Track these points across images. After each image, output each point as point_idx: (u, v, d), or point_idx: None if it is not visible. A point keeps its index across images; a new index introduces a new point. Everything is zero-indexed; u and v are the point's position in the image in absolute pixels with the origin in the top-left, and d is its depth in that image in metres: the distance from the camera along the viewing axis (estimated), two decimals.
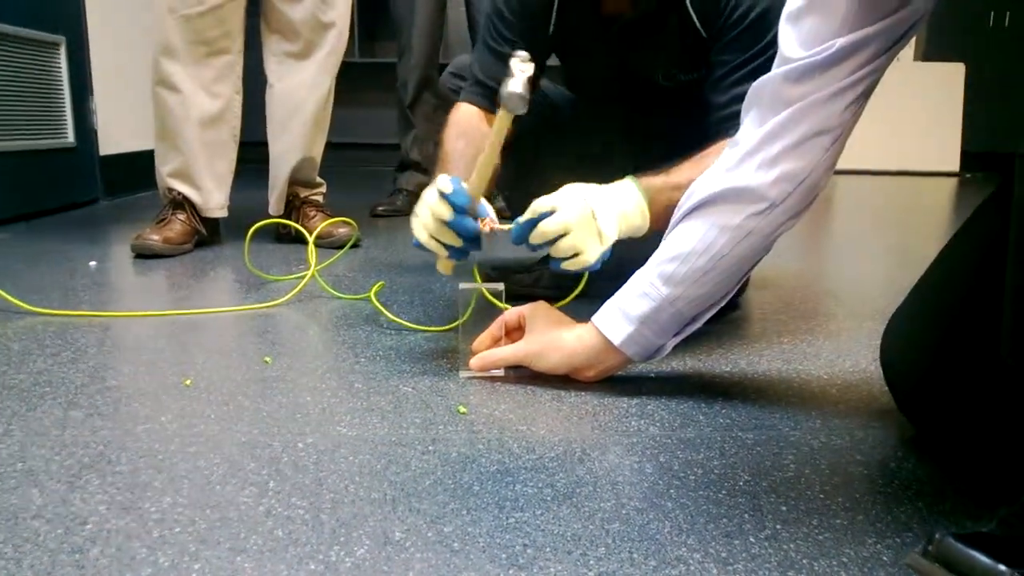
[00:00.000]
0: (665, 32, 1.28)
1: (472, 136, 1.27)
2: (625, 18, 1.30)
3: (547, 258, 1.11)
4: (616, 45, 1.35)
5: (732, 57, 1.20)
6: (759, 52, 1.17)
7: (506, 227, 1.05)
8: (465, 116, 1.32)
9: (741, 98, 1.16)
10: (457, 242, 1.06)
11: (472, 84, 1.36)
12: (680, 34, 1.26)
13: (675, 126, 1.29)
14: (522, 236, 1.03)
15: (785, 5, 0.88)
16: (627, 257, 1.09)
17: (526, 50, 1.08)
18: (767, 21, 1.16)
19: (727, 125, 1.18)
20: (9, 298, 1.35)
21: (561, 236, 1.01)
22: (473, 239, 1.06)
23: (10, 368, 1.05)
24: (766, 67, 0.91)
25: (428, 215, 1.06)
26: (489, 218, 1.06)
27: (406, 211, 2.75)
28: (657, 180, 1.09)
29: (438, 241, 1.06)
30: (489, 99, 1.30)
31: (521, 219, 1.03)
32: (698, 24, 1.23)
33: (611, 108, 1.52)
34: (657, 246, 0.98)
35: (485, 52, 1.34)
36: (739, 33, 1.19)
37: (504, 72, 1.05)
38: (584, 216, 1.01)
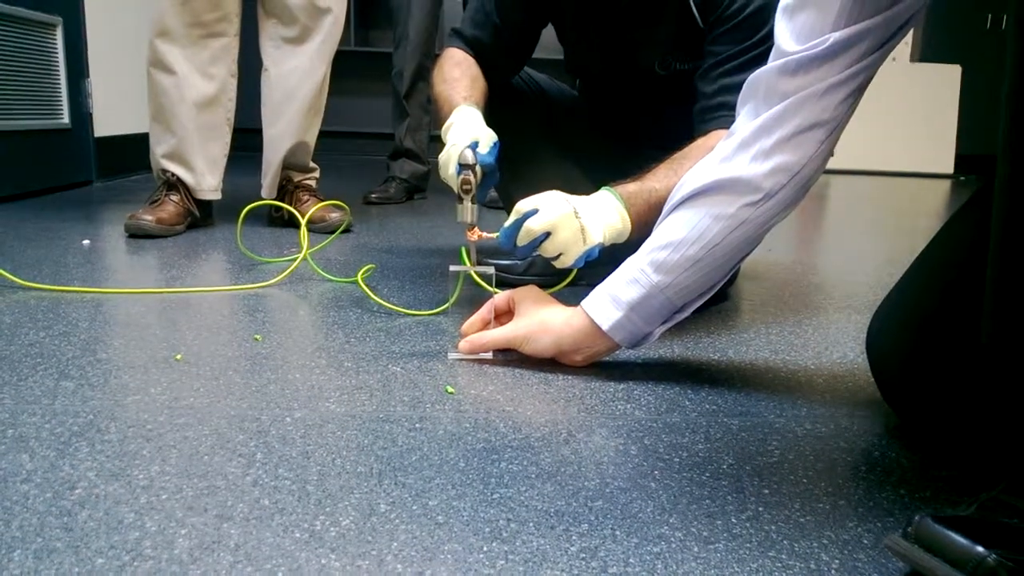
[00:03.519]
0: (664, 18, 1.29)
1: (464, 66, 1.34)
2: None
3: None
4: (616, 27, 1.36)
5: (724, 49, 1.21)
6: (751, 47, 1.19)
7: (493, 235, 1.06)
8: (456, 52, 1.38)
9: (728, 89, 1.18)
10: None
11: (454, 36, 1.41)
12: (678, 21, 1.27)
13: (669, 121, 1.30)
14: (510, 237, 1.04)
15: None
16: (619, 244, 1.10)
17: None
18: (762, 17, 1.18)
19: (711, 116, 1.20)
20: (1, 271, 1.35)
21: (547, 235, 1.03)
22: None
23: (1, 340, 1.05)
24: (757, 62, 0.92)
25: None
26: (476, 227, 1.07)
27: (399, 199, 2.76)
28: (632, 185, 1.11)
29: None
30: (474, 50, 1.38)
31: (507, 223, 1.05)
32: (696, 13, 1.24)
33: (609, 98, 1.53)
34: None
35: (479, 11, 1.39)
36: (733, 26, 1.20)
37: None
38: (567, 214, 1.03)
